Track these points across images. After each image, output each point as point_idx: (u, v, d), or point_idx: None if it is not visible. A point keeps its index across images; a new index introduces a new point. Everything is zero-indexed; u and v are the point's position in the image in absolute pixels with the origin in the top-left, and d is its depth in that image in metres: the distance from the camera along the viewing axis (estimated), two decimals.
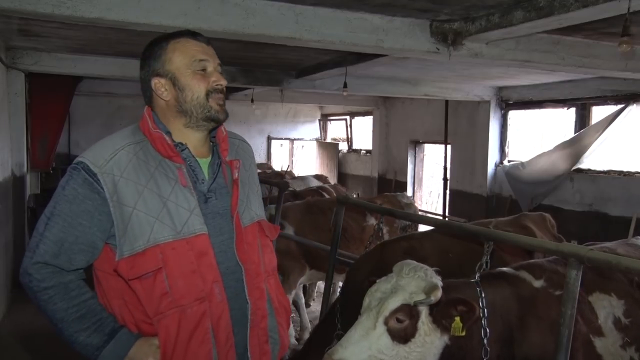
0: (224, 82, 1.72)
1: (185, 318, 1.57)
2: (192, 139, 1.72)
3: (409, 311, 2.09)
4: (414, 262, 2.26)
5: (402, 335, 2.07)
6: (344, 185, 10.31)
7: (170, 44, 1.70)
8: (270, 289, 1.80)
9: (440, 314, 2.11)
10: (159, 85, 1.69)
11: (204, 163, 1.74)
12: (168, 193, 1.61)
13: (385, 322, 2.08)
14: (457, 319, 2.09)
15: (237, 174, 1.76)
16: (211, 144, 1.80)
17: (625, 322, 2.49)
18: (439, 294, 2.08)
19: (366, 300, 2.20)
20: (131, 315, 1.62)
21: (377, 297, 2.16)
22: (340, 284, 5.22)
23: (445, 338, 2.14)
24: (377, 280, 2.26)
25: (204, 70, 1.69)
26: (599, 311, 2.48)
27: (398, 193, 6.38)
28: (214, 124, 1.73)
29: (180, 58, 1.68)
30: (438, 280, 2.18)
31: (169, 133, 1.69)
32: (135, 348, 1.58)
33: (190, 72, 1.68)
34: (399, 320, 2.08)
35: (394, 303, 2.09)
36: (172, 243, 1.58)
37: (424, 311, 2.11)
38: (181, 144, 1.69)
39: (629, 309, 2.52)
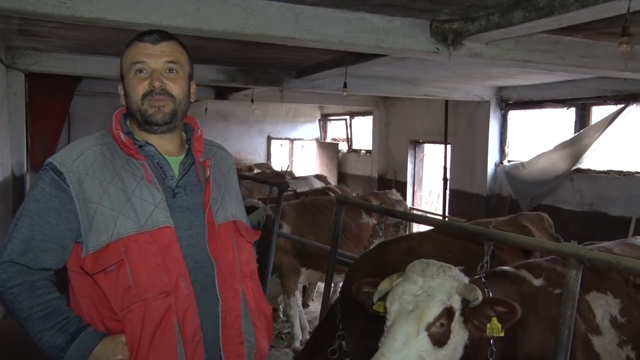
0: (157, 84, 1.67)
1: (150, 311, 1.57)
2: (153, 139, 1.74)
3: (448, 314, 2.06)
4: (434, 260, 2.22)
5: (442, 339, 2.04)
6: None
7: (126, 49, 1.73)
8: (246, 291, 1.77)
9: (474, 315, 2.08)
10: (120, 89, 1.76)
11: (175, 161, 1.76)
12: (132, 188, 1.63)
13: (427, 328, 2.02)
14: (494, 319, 2.06)
15: (209, 172, 1.76)
16: (187, 145, 1.82)
17: (622, 320, 2.51)
18: (480, 294, 2.05)
19: (395, 305, 2.11)
20: (98, 313, 1.62)
21: (408, 301, 2.08)
22: (341, 284, 5.22)
23: (466, 338, 2.12)
24: (395, 283, 2.18)
25: (143, 72, 1.68)
26: (596, 310, 2.50)
27: (387, 191, 6.50)
28: (155, 127, 1.71)
29: (125, 63, 1.71)
30: (466, 279, 2.17)
31: (130, 133, 1.73)
32: (101, 346, 1.57)
33: (131, 76, 1.69)
34: (441, 325, 2.04)
35: (437, 308, 2.04)
36: (135, 236, 1.58)
37: (457, 312, 2.09)
38: (145, 142, 1.73)
39: (625, 307, 2.54)
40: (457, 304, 2.08)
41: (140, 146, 1.70)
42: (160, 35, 1.72)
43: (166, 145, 1.76)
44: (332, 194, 6.60)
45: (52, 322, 1.57)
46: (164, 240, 1.61)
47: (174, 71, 1.71)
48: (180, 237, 1.65)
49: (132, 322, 1.56)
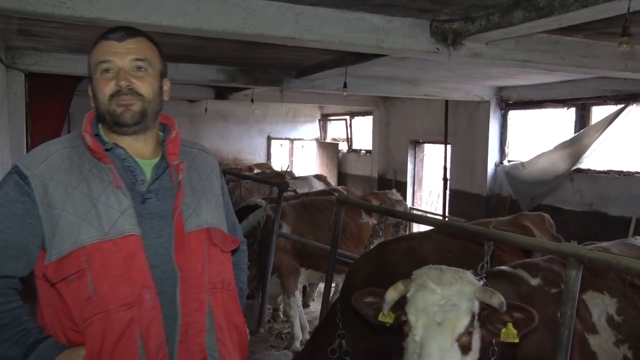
0: (123, 83, 1.57)
1: (111, 324, 1.49)
2: (125, 141, 1.65)
3: (473, 320, 2.03)
4: (444, 266, 2.16)
5: (468, 346, 2.02)
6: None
7: (93, 48, 1.64)
8: (215, 303, 1.65)
9: (489, 319, 2.05)
10: (90, 91, 1.66)
11: (148, 164, 1.67)
12: (99, 194, 1.55)
13: (458, 339, 1.99)
14: (510, 325, 2.02)
15: (181, 176, 1.66)
16: (162, 147, 1.73)
17: (618, 319, 2.51)
18: (503, 299, 2.01)
19: (422, 319, 2.02)
20: (60, 323, 1.54)
21: (434, 312, 2.01)
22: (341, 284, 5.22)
23: (479, 341, 2.10)
24: (411, 294, 2.08)
25: (110, 71, 1.59)
26: (592, 309, 2.51)
27: (387, 191, 6.50)
28: (124, 128, 1.61)
29: (92, 63, 1.63)
30: (480, 283, 2.13)
31: (98, 135, 1.64)
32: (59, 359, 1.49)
33: (97, 77, 1.61)
34: (469, 333, 2.01)
35: (466, 317, 2.00)
36: (98, 244, 1.51)
37: (476, 317, 2.06)
38: (115, 144, 1.63)
39: (622, 307, 2.55)
40: (476, 309, 2.04)
41: (108, 149, 1.61)
42: (127, 32, 1.63)
43: (139, 147, 1.66)
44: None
45: (9, 334, 1.50)
46: (128, 250, 1.52)
47: (142, 69, 1.62)
48: (148, 245, 1.56)
49: (92, 334, 1.48)
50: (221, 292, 1.69)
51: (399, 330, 2.16)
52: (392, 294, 2.13)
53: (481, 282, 2.13)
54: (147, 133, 1.68)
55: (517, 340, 2.03)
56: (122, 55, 1.59)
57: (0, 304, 1.53)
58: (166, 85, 1.73)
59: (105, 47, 1.61)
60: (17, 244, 1.54)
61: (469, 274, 2.14)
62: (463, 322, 2.00)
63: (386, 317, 2.17)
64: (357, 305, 2.28)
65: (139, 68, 1.62)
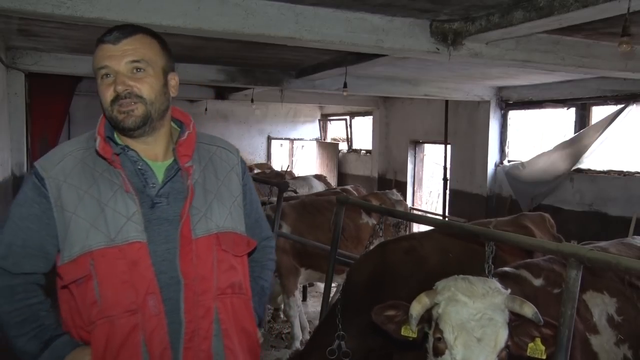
0: (120, 88, 1.53)
1: (114, 330, 1.51)
2: (136, 144, 1.63)
3: (510, 333, 1.97)
4: (470, 276, 2.07)
5: (505, 357, 1.96)
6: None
7: (95, 51, 1.61)
8: (223, 309, 1.64)
9: (517, 331, 1.97)
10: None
11: (160, 167, 1.64)
12: (108, 198, 1.55)
13: (499, 353, 1.93)
14: (539, 341, 1.95)
15: (191, 180, 1.62)
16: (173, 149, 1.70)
17: (618, 319, 2.51)
18: (535, 308, 1.93)
19: (461, 336, 1.92)
20: (73, 321, 1.58)
21: (471, 328, 1.92)
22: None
23: None
24: (442, 310, 1.99)
25: (109, 76, 1.56)
26: (593, 309, 2.50)
27: (387, 191, 6.49)
28: (129, 132, 1.59)
29: (94, 68, 1.60)
30: (508, 291, 2.06)
31: (109, 138, 1.61)
32: (70, 357, 1.53)
33: (99, 82, 1.58)
34: (507, 346, 1.95)
35: (505, 330, 1.93)
36: (103, 250, 1.52)
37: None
38: (126, 147, 1.62)
39: (621, 306, 2.54)
40: (507, 319, 1.98)
41: (116, 153, 1.59)
42: (122, 32, 1.57)
43: (150, 149, 1.64)
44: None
45: (27, 329, 1.55)
46: (132, 256, 1.52)
47: (141, 70, 1.57)
48: (155, 251, 1.55)
49: (96, 338, 1.52)
50: (231, 297, 1.67)
51: (423, 342, 2.09)
52: (417, 308, 2.03)
53: (508, 291, 2.05)
54: (156, 133, 1.65)
55: (544, 357, 1.95)
56: (118, 59, 1.55)
57: (20, 300, 1.56)
58: (173, 80, 1.68)
59: (102, 51, 1.57)
60: (35, 243, 1.57)
61: (496, 282, 2.07)
62: (503, 335, 1.92)
63: (413, 332, 2.08)
64: (377, 319, 2.17)
65: (137, 69, 1.57)
